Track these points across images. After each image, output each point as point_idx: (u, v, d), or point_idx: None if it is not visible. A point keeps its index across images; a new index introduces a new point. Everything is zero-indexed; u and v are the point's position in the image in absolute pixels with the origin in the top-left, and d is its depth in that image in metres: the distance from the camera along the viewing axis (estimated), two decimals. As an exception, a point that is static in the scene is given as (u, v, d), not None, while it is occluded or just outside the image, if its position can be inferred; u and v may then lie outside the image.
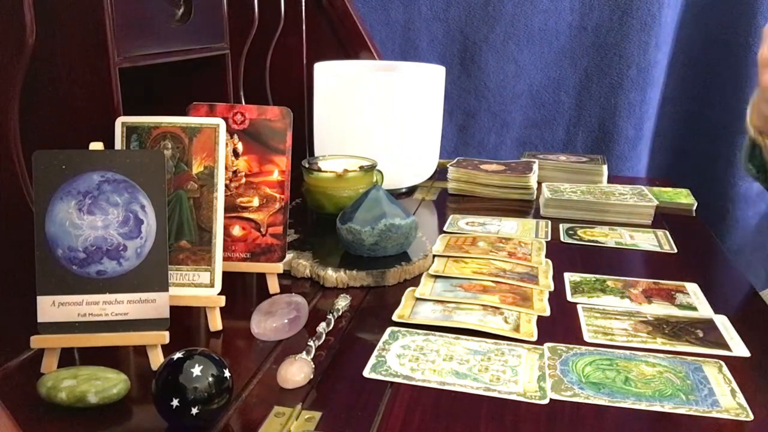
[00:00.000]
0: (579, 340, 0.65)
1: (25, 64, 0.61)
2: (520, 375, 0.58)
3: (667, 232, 0.97)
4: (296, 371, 0.57)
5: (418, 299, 0.73)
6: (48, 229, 0.57)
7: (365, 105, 1.08)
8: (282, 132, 0.74)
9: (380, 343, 0.64)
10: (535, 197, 1.12)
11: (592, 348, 0.64)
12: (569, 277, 0.81)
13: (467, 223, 1.00)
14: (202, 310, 0.68)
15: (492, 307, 0.71)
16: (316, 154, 1.15)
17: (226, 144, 0.72)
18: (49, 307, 0.57)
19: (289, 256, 0.80)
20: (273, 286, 0.75)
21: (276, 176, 0.74)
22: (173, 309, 0.60)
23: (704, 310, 0.73)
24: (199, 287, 0.66)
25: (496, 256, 0.85)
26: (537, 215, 1.05)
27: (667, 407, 0.54)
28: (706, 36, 1.41)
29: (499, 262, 0.83)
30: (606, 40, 1.41)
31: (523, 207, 1.10)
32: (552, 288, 0.77)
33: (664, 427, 0.52)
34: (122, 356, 0.61)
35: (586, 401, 0.55)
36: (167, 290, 0.59)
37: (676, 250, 0.91)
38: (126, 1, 0.69)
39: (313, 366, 0.59)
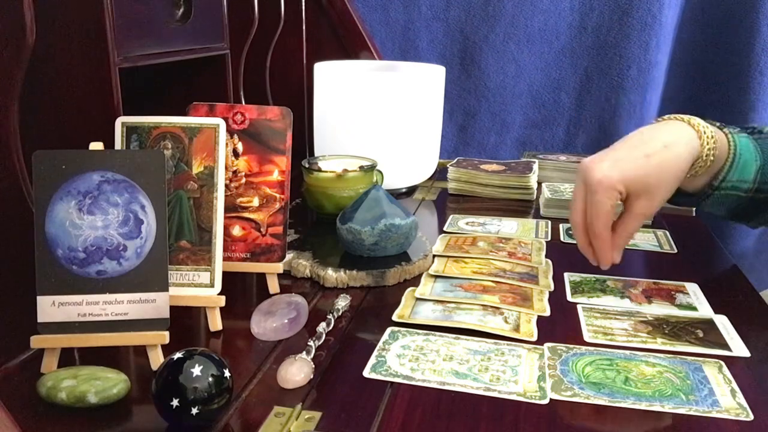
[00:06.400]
0: (579, 340, 0.65)
1: (25, 64, 0.61)
2: (520, 375, 0.58)
3: (667, 232, 0.97)
4: (296, 371, 0.57)
5: (418, 299, 0.73)
6: (48, 229, 0.57)
7: (365, 105, 1.08)
8: (282, 132, 0.74)
9: (380, 343, 0.64)
10: (535, 197, 1.12)
11: (592, 348, 0.64)
12: (569, 277, 0.81)
13: (467, 223, 1.00)
14: (202, 310, 0.68)
15: (492, 307, 0.71)
16: (316, 154, 1.15)
17: (226, 144, 0.72)
18: (49, 307, 0.57)
19: (289, 256, 0.80)
20: (273, 286, 0.75)
21: (276, 176, 0.74)
22: (173, 309, 0.60)
23: (704, 310, 0.73)
24: (199, 287, 0.66)
25: (496, 256, 0.85)
26: (537, 215, 1.05)
27: (667, 407, 0.54)
28: (707, 36, 1.41)
29: (499, 262, 0.83)
30: (606, 40, 1.41)
31: (523, 207, 1.10)
32: (552, 288, 0.77)
33: (664, 427, 0.52)
34: (122, 356, 0.61)
35: (586, 401, 0.55)
36: (167, 290, 0.59)
37: (676, 250, 0.91)
38: (126, 1, 0.69)
39: (313, 366, 0.59)
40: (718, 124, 0.75)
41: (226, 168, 0.72)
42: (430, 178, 1.22)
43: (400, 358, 0.61)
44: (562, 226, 0.99)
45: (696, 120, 0.72)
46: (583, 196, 0.70)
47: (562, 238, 0.95)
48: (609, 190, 0.68)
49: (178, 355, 0.50)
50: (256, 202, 0.74)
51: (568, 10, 1.41)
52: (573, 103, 1.48)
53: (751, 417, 0.53)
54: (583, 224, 0.71)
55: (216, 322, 0.67)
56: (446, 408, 0.54)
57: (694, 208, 1.08)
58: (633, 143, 0.71)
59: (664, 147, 0.70)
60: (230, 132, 0.73)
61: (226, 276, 0.69)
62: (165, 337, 0.58)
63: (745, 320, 0.70)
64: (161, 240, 0.59)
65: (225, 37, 0.92)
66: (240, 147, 0.74)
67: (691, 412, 0.54)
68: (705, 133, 0.71)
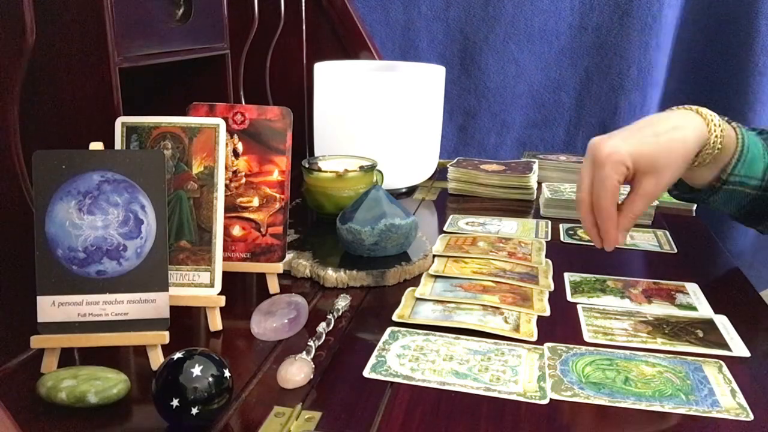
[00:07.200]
0: (579, 340, 0.65)
1: (25, 64, 0.61)
2: (520, 375, 0.58)
3: (667, 232, 0.97)
4: (296, 371, 0.57)
5: (418, 299, 0.73)
6: (48, 229, 0.57)
7: (365, 105, 1.08)
8: (282, 132, 0.74)
9: (380, 343, 0.64)
10: (535, 197, 1.12)
11: (592, 348, 0.64)
12: (569, 277, 0.81)
13: (467, 223, 1.00)
14: (202, 310, 0.68)
15: (492, 307, 0.71)
16: (316, 154, 1.15)
17: (226, 144, 0.72)
18: (49, 307, 0.57)
19: (289, 256, 0.80)
20: (273, 286, 0.75)
21: (276, 176, 0.74)
22: (173, 309, 0.60)
23: (704, 310, 0.73)
24: (199, 287, 0.66)
25: (496, 256, 0.85)
26: (537, 215, 1.05)
27: (667, 407, 0.54)
28: (707, 36, 1.41)
29: (499, 262, 0.83)
30: (606, 40, 1.41)
31: (523, 207, 1.10)
32: (552, 288, 0.77)
33: (663, 427, 0.52)
34: (122, 356, 0.61)
35: (586, 401, 0.55)
36: (167, 290, 0.59)
37: (676, 250, 0.91)
38: (126, 1, 0.69)
39: (313, 366, 0.59)
40: (726, 119, 0.76)
41: (226, 168, 0.72)
42: (430, 178, 1.22)
43: (400, 358, 0.61)
44: (562, 226, 0.99)
45: (704, 110, 0.74)
46: (591, 172, 0.70)
47: (562, 238, 0.95)
48: (617, 164, 0.68)
49: (178, 355, 0.50)
50: (256, 202, 0.74)
51: (568, 10, 1.41)
52: (573, 103, 1.48)
53: (751, 417, 0.53)
54: (589, 202, 0.71)
55: (216, 322, 0.67)
56: (446, 408, 0.54)
57: (694, 207, 1.08)
58: (642, 125, 0.72)
59: (673, 128, 0.71)
60: (230, 132, 0.73)
61: (226, 276, 0.69)
62: (165, 337, 0.58)
63: (745, 320, 0.70)
64: (161, 240, 0.59)
65: (225, 37, 0.92)
66: (240, 147, 0.74)
67: (691, 412, 0.54)
68: (713, 120, 0.72)
